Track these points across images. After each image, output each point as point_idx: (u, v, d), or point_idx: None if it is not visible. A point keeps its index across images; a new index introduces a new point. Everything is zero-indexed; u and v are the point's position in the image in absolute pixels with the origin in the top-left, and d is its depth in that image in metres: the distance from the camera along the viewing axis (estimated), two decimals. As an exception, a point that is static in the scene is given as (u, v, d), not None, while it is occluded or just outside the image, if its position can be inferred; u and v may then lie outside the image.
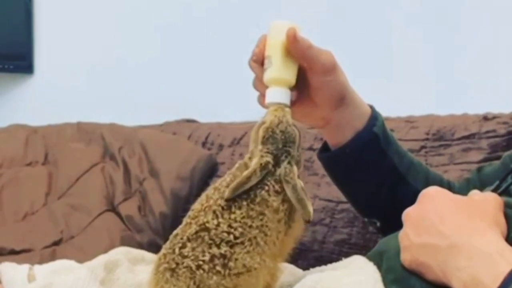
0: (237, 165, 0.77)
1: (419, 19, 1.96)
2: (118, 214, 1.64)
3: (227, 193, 0.73)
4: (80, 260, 0.87)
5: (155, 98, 2.13)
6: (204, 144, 1.73)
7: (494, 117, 1.49)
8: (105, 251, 0.87)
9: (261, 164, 0.74)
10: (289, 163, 0.75)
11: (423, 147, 1.49)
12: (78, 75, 2.19)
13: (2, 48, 2.21)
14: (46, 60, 2.21)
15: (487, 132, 1.47)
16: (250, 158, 0.76)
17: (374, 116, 0.93)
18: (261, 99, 0.85)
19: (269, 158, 0.74)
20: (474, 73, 1.90)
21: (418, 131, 1.52)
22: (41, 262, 0.91)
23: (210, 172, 1.69)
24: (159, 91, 2.14)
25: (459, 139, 1.48)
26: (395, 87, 1.93)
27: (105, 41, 2.18)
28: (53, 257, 1.47)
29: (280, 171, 0.74)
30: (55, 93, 2.20)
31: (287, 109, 0.79)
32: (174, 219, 1.63)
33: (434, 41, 1.94)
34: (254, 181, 0.73)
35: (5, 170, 1.74)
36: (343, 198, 1.48)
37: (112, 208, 1.66)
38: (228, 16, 2.11)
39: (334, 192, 1.49)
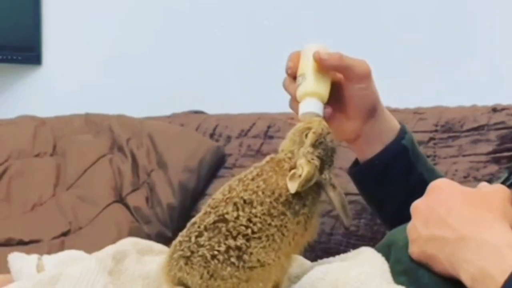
0: (267, 158, 0.77)
1: (428, 11, 1.95)
2: (126, 206, 1.65)
3: (296, 186, 0.73)
4: (88, 251, 0.88)
5: (163, 89, 2.13)
6: (212, 136, 1.73)
7: (503, 108, 1.49)
8: (113, 242, 0.87)
9: (316, 165, 0.75)
10: (330, 172, 0.77)
11: (431, 138, 1.49)
12: (86, 67, 2.19)
13: (11, 39, 2.21)
14: (54, 51, 2.22)
15: (496, 123, 1.46)
16: (290, 158, 0.76)
17: (403, 130, 0.95)
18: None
19: (317, 163, 0.75)
20: (483, 64, 1.89)
21: (426, 122, 1.51)
22: (49, 252, 0.91)
23: (218, 163, 1.69)
24: (167, 82, 2.14)
25: (468, 130, 1.48)
26: (403, 79, 1.92)
27: (113, 32, 2.18)
28: (61, 248, 1.48)
29: (321, 177, 0.76)
30: (63, 84, 2.20)
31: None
32: (181, 210, 1.64)
33: (442, 33, 1.93)
34: (314, 179, 0.74)
35: (14, 161, 1.75)
36: (351, 189, 1.47)
37: (120, 200, 1.66)
38: (235, 7, 2.10)
39: (342, 184, 1.47)
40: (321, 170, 0.76)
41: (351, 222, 0.77)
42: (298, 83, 0.87)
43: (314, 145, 0.76)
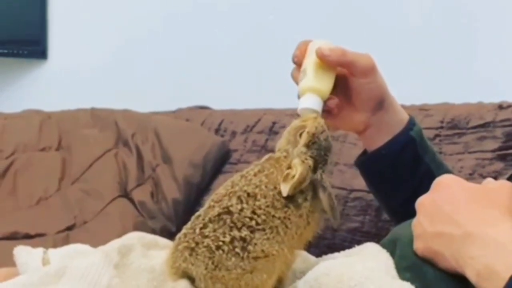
0: (266, 157, 0.78)
1: (434, 8, 1.95)
2: (131, 200, 1.65)
3: (288, 190, 0.74)
4: (93, 245, 0.88)
5: (169, 84, 2.13)
6: (217, 131, 1.73)
7: (509, 105, 1.48)
8: (118, 236, 0.87)
9: (309, 165, 0.76)
10: (323, 171, 0.77)
11: (437, 135, 1.49)
12: (92, 61, 2.19)
13: (16, 33, 2.22)
14: (60, 45, 2.22)
15: (502, 120, 1.46)
16: (285, 157, 0.77)
17: (412, 122, 0.95)
18: None
19: (310, 162, 0.76)
20: (489, 61, 1.88)
21: (432, 119, 1.51)
22: (54, 246, 0.91)
23: (222, 159, 1.69)
24: (172, 77, 2.14)
25: (473, 127, 1.47)
26: (409, 75, 1.92)
27: (119, 27, 2.19)
28: (66, 242, 1.48)
29: (315, 176, 0.77)
30: (69, 78, 2.20)
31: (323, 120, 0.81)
32: (186, 205, 1.64)
33: (448, 29, 1.93)
34: (308, 180, 0.76)
35: (19, 155, 1.75)
36: (356, 186, 1.48)
37: (125, 194, 1.66)
38: (241, 2, 2.10)
39: (347, 180, 1.49)
40: (314, 169, 0.77)
41: (338, 224, 0.79)
42: (300, 78, 0.87)
43: (308, 145, 0.77)
